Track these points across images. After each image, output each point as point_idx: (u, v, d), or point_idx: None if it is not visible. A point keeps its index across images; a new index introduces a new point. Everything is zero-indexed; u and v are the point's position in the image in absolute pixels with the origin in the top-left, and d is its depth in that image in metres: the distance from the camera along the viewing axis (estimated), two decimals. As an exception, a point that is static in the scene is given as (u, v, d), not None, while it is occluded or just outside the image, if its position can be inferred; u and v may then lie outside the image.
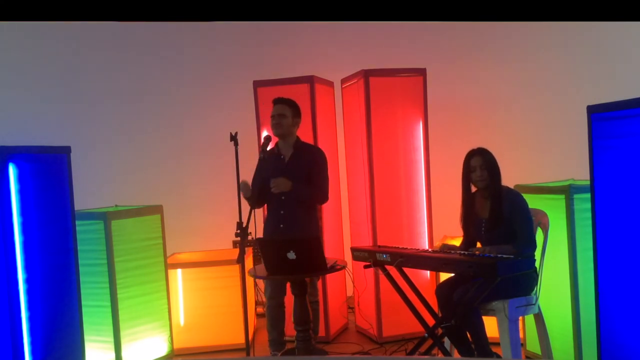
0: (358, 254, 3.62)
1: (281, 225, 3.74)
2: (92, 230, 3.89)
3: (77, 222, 3.13)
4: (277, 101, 3.81)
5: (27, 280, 2.69)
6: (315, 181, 3.78)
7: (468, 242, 3.51)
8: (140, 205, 4.30)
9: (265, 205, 3.93)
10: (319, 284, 4.30)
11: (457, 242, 3.60)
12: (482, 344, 3.20)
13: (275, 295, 3.80)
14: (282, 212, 3.75)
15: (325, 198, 3.83)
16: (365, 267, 3.59)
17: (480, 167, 3.34)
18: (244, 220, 3.39)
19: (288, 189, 3.67)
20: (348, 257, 3.87)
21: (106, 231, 3.88)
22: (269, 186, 3.71)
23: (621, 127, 2.42)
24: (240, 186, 3.59)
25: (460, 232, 3.59)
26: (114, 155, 5.72)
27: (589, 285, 3.07)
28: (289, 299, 3.81)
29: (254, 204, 3.62)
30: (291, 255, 3.24)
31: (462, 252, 3.26)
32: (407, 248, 3.65)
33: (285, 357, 3.78)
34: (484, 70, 5.53)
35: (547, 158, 5.26)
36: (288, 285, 3.77)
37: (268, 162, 3.74)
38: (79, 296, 3.09)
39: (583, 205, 3.26)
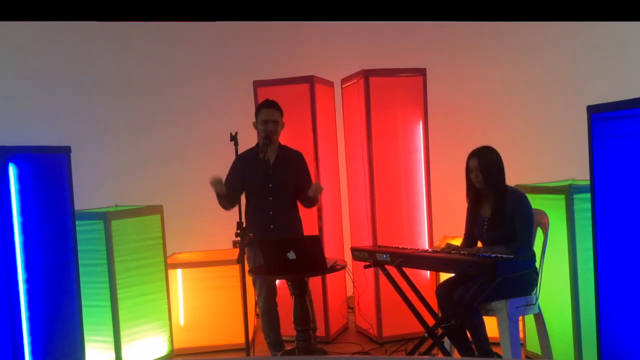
0: (358, 254, 3.62)
1: (271, 226, 3.74)
2: (92, 230, 3.89)
3: (77, 222, 3.14)
4: (268, 105, 3.76)
5: (27, 280, 2.70)
6: (308, 186, 3.80)
7: (469, 241, 3.51)
8: (140, 205, 4.30)
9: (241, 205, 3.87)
10: (319, 284, 4.31)
11: (458, 242, 3.60)
12: (483, 344, 3.20)
13: (269, 298, 3.81)
14: (271, 212, 3.75)
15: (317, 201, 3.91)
16: (365, 267, 3.59)
17: (476, 169, 3.35)
18: (244, 220, 3.40)
19: (321, 192, 3.76)
20: (348, 257, 3.86)
21: (106, 231, 3.88)
22: (252, 186, 3.70)
23: (621, 127, 2.42)
24: (214, 183, 3.61)
25: (461, 232, 3.59)
26: (114, 155, 5.72)
27: (589, 285, 3.07)
28: (280, 299, 3.85)
29: (226, 203, 3.66)
30: (291, 255, 3.24)
31: (462, 252, 3.26)
32: (407, 248, 3.65)
33: (285, 357, 3.79)
34: (483, 70, 5.53)
35: (547, 158, 5.26)
36: (278, 284, 3.81)
37: (255, 164, 3.71)
38: (79, 296, 3.09)
39: (583, 205, 3.26)
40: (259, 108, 3.81)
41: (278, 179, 3.77)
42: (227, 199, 3.68)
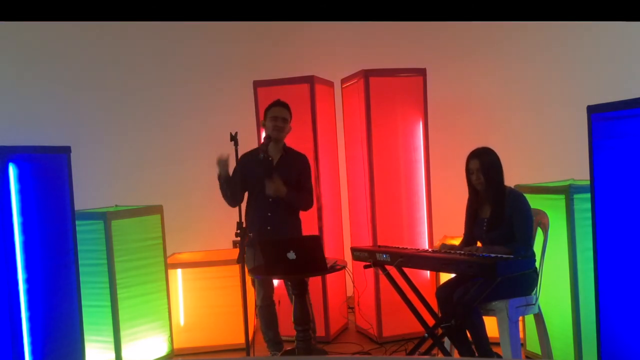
0: (358, 254, 3.62)
1: (268, 227, 3.74)
2: (92, 230, 3.88)
3: (77, 222, 3.14)
4: (279, 104, 3.80)
5: (27, 280, 2.69)
6: (306, 187, 3.83)
7: (468, 241, 3.51)
8: (140, 205, 4.30)
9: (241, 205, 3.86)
10: (319, 284, 4.31)
11: (457, 242, 3.60)
12: (483, 344, 3.20)
13: (267, 297, 3.82)
14: (269, 214, 3.75)
15: (312, 204, 3.89)
16: (365, 267, 3.59)
17: (477, 170, 3.34)
18: (244, 220, 3.39)
19: (282, 194, 3.68)
20: (348, 257, 3.87)
21: (106, 231, 3.88)
22: (252, 186, 3.73)
23: (621, 127, 2.43)
24: (219, 162, 3.60)
25: (461, 232, 3.59)
26: (114, 155, 5.71)
27: (589, 285, 3.07)
28: (279, 299, 3.86)
29: (228, 194, 3.66)
30: (291, 255, 3.24)
31: (462, 252, 3.26)
32: (407, 248, 3.65)
33: (285, 357, 3.79)
34: (483, 70, 5.53)
35: (547, 158, 5.26)
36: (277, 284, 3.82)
37: (255, 163, 3.72)
38: (79, 296, 3.09)
39: (583, 205, 3.26)
40: (270, 106, 3.82)
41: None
42: (230, 187, 3.67)
